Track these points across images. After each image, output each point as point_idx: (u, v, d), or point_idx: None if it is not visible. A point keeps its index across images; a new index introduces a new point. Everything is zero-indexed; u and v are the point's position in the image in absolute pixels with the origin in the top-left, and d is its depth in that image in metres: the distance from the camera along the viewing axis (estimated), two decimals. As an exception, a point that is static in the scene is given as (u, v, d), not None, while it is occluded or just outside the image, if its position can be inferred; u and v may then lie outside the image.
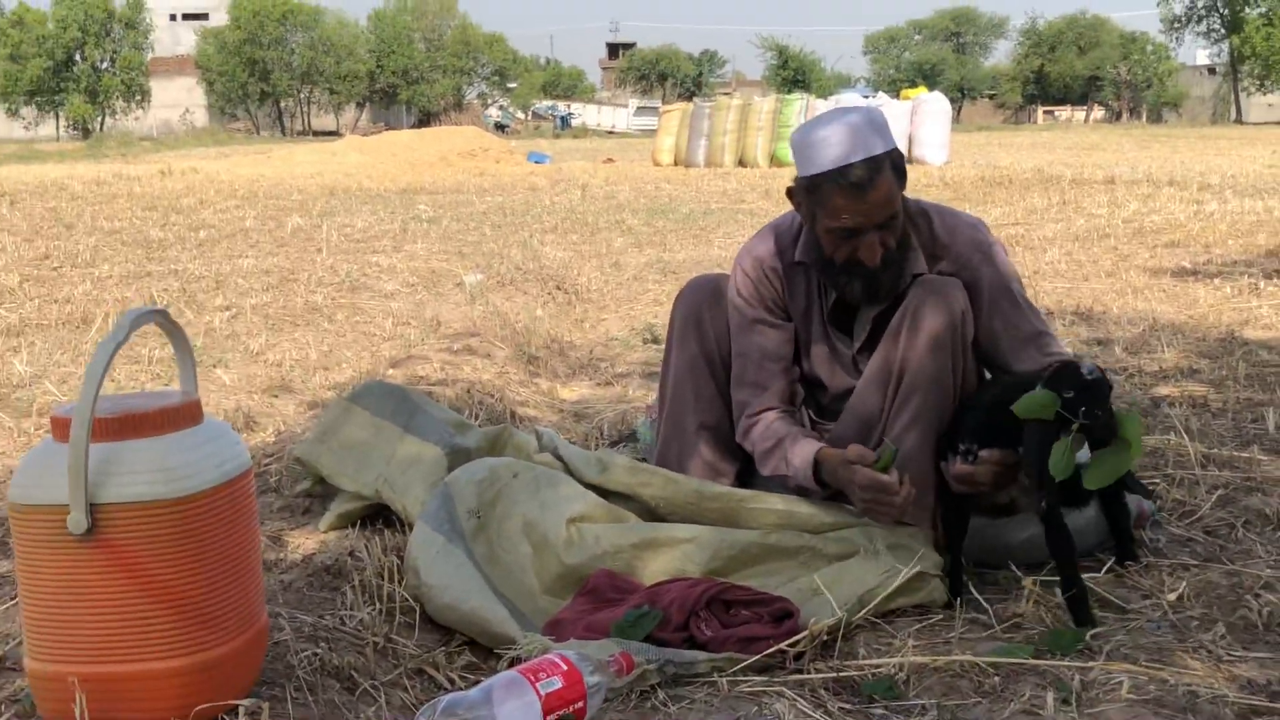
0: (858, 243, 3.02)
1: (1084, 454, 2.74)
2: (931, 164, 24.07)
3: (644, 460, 3.64)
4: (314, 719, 2.32)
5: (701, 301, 3.38)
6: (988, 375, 3.24)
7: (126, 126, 69.32)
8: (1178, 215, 12.12)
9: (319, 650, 2.55)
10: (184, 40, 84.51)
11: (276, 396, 4.97)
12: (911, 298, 3.06)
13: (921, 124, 25.21)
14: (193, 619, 2.16)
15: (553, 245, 10.74)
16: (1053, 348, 3.19)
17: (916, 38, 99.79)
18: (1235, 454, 4.09)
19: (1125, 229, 11.14)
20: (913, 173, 18.10)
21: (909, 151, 25.09)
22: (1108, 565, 3.09)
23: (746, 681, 2.54)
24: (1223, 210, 12.50)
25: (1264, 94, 76.56)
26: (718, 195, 16.88)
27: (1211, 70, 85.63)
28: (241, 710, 2.22)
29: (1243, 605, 2.84)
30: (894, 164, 3.03)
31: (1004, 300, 3.18)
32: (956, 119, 62.55)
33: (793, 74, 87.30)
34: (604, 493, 3.18)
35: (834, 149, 2.98)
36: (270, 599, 2.79)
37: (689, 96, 78.41)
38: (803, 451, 3.08)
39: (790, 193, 3.15)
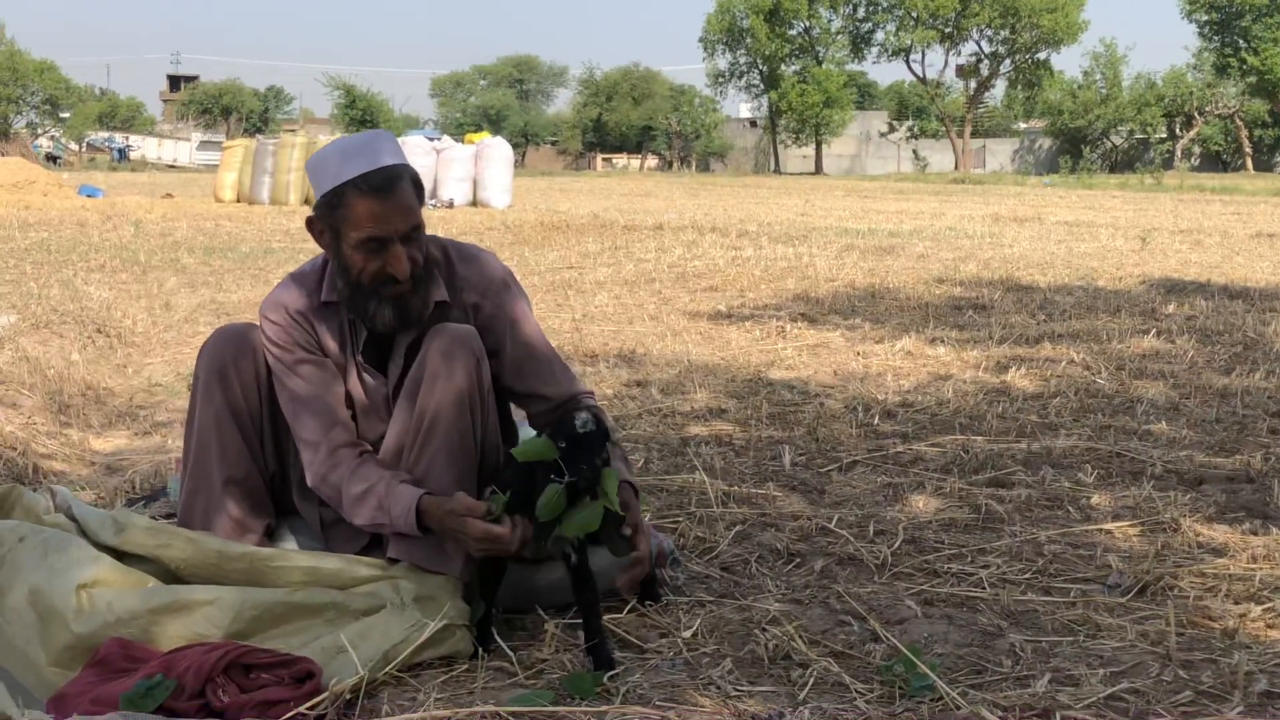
0: (386, 256, 2.99)
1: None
2: (495, 207, 24.34)
3: (173, 516, 3.46)
4: None
5: (227, 352, 3.20)
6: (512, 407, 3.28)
7: None
8: (718, 261, 12.63)
9: None
10: None
11: None
12: (434, 349, 3.03)
13: (485, 168, 25.47)
14: None
15: (98, 285, 10.14)
16: (576, 379, 3.29)
17: (482, 83, 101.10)
18: (753, 491, 4.28)
19: (670, 274, 11.50)
20: (476, 216, 18.31)
21: (474, 195, 25.29)
22: (630, 605, 3.16)
23: (264, 748, 2.43)
24: (758, 256, 13.14)
25: (799, 146, 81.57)
26: (280, 234, 16.48)
27: (753, 123, 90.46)
28: None
29: (751, 639, 2.95)
30: (413, 179, 3.04)
31: (528, 332, 3.23)
32: (520, 164, 63.55)
33: (361, 114, 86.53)
34: (121, 555, 2.94)
35: (353, 161, 2.98)
36: None
37: (255, 132, 76.45)
38: (403, 499, 2.95)
39: (311, 222, 3.09)
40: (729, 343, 7.58)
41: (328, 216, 3.03)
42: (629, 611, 3.12)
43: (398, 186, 2.98)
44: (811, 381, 6.33)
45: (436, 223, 18.06)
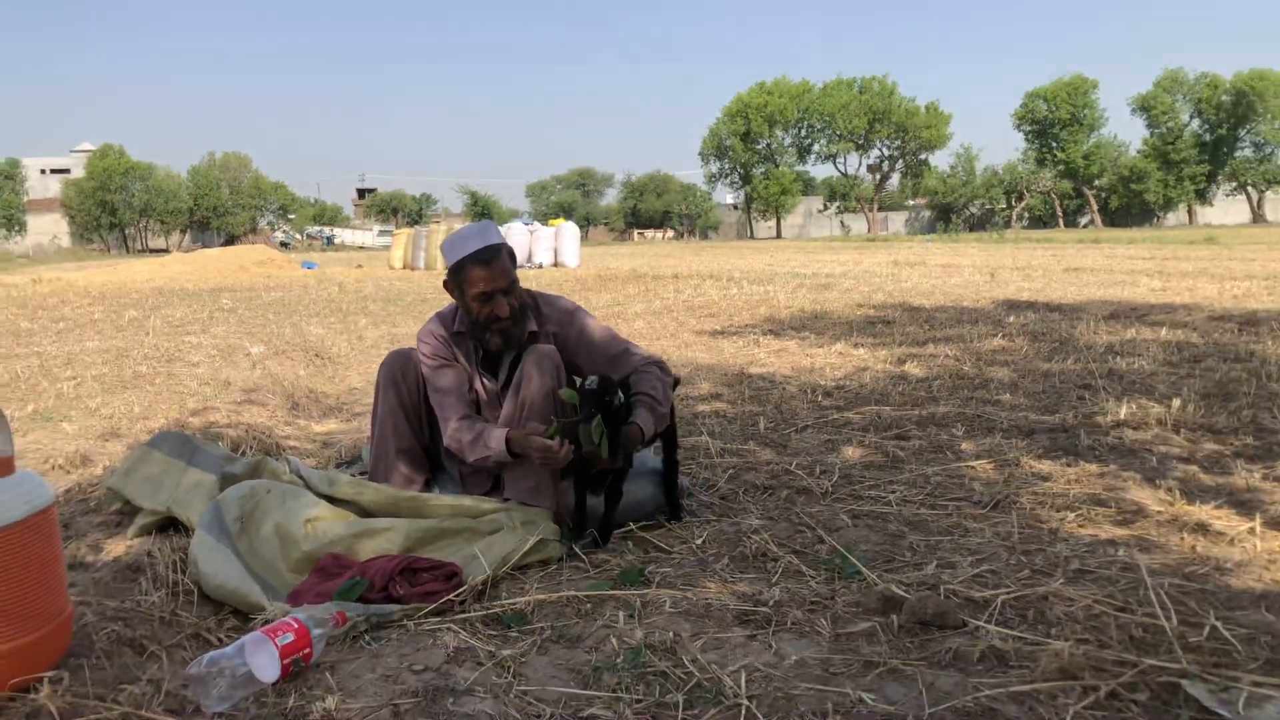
0: (493, 304, 2.95)
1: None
2: (569, 267, 24.15)
3: (364, 474, 3.44)
4: (108, 679, 2.05)
5: (397, 366, 3.19)
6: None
7: (6, 249, 62.50)
8: (714, 296, 12.30)
9: (116, 627, 2.26)
10: (51, 187, 77.08)
11: (108, 441, 4.47)
12: (529, 361, 2.97)
13: (563, 242, 25.32)
14: (9, 616, 1.89)
15: (315, 325, 10.13)
16: (637, 354, 3.14)
17: (558, 186, 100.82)
18: (740, 446, 4.16)
19: (683, 306, 11.20)
20: (558, 273, 18.21)
21: (555, 258, 25.11)
22: (660, 524, 3.09)
23: (427, 623, 2.38)
24: (740, 293, 12.80)
25: (765, 220, 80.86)
26: (431, 289, 16.26)
27: (735, 206, 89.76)
28: (46, 680, 1.94)
29: (740, 544, 2.89)
30: (508, 250, 2.99)
31: (594, 338, 3.13)
32: (585, 238, 63.15)
33: (481, 209, 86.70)
34: (333, 500, 2.95)
35: (469, 242, 2.95)
36: (83, 591, 2.48)
37: (414, 223, 76.63)
38: (497, 436, 2.89)
39: (446, 284, 3.05)
40: (722, 350, 7.40)
41: (454, 279, 3.01)
42: (660, 529, 3.05)
43: (498, 258, 2.94)
44: (777, 374, 6.16)
45: (531, 278, 17.83)
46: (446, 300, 13.76)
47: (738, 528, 3.07)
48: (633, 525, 2.99)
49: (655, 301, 12.02)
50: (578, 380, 3.08)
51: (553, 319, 3.14)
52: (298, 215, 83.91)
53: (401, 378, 3.18)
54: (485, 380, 3.13)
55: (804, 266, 20.77)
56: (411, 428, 3.19)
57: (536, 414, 2.93)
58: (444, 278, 3.06)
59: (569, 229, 25.83)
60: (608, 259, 29.89)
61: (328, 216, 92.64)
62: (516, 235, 24.31)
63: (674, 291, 13.63)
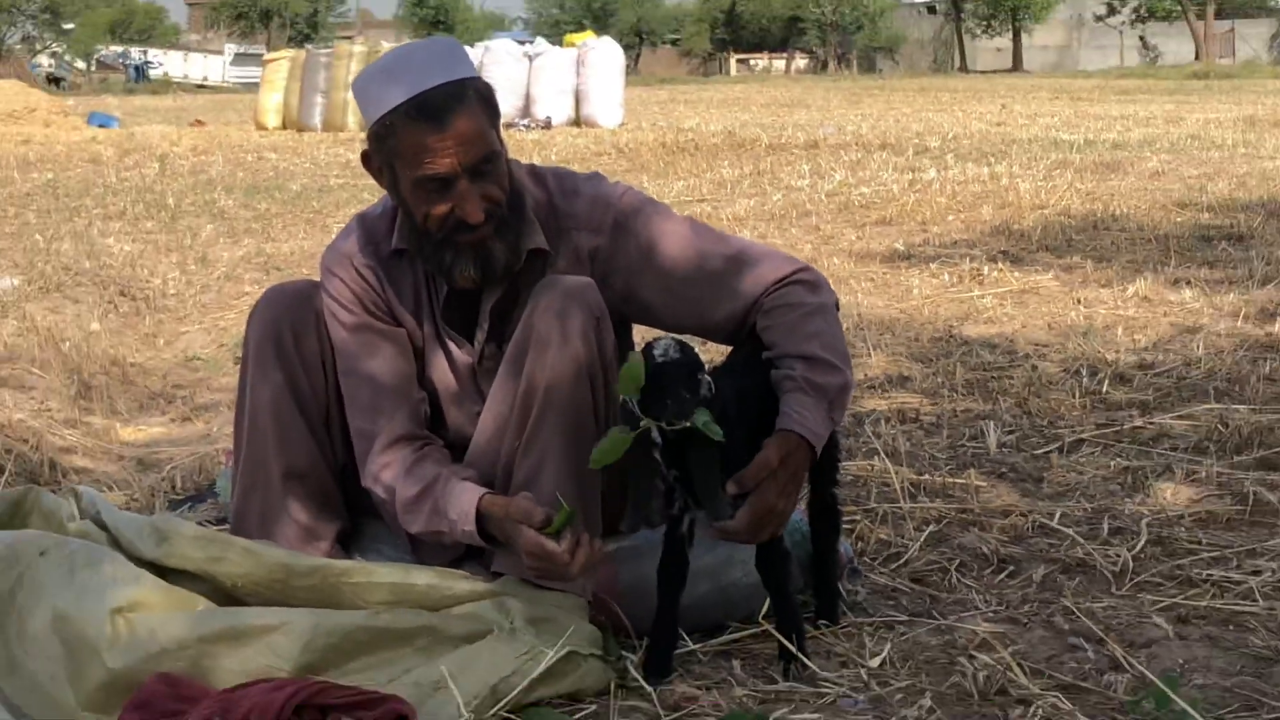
0: (452, 198, 3.00)
1: None
2: (603, 126, 24.30)
3: (225, 522, 3.49)
4: None
5: (285, 318, 3.27)
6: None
7: None
8: (890, 186, 12.47)
9: None
10: None
11: None
12: (541, 305, 3.03)
13: (590, 77, 25.46)
14: None
15: (119, 236, 10.26)
16: (764, 264, 3.17)
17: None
18: (950, 480, 4.23)
19: (829, 204, 11.41)
20: (580, 137, 18.36)
21: (576, 111, 25.26)
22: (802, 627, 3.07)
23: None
24: (943, 179, 12.97)
25: (990, 37, 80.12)
26: (338, 167, 16.52)
27: (932, 9, 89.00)
28: None
29: (955, 669, 2.89)
30: (480, 93, 3.05)
31: (676, 253, 3.18)
32: (633, 70, 63.21)
33: (432, 14, 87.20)
34: (164, 571, 2.95)
35: (402, 81, 2.99)
36: None
37: (303, 41, 77.15)
38: (462, 502, 2.99)
39: (366, 157, 3.14)
40: (909, 291, 7.50)
41: (380, 150, 3.07)
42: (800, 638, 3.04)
43: (457, 108, 2.97)
44: (1018, 338, 6.22)
45: (530, 148, 17.98)
46: (374, 186, 13.63)
47: (948, 638, 3.08)
48: (752, 629, 3.04)
49: (774, 196, 12.14)
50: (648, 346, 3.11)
51: (583, 221, 3.23)
52: (80, 24, 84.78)
53: (295, 339, 3.27)
54: (451, 344, 3.26)
55: (1069, 127, 20.82)
56: (313, 433, 3.30)
57: (557, 416, 3.02)
58: (362, 146, 3.14)
59: (603, 53, 26.01)
60: (680, 111, 30.22)
61: (138, 27, 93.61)
62: (502, 64, 24.58)
63: (812, 176, 13.78)
